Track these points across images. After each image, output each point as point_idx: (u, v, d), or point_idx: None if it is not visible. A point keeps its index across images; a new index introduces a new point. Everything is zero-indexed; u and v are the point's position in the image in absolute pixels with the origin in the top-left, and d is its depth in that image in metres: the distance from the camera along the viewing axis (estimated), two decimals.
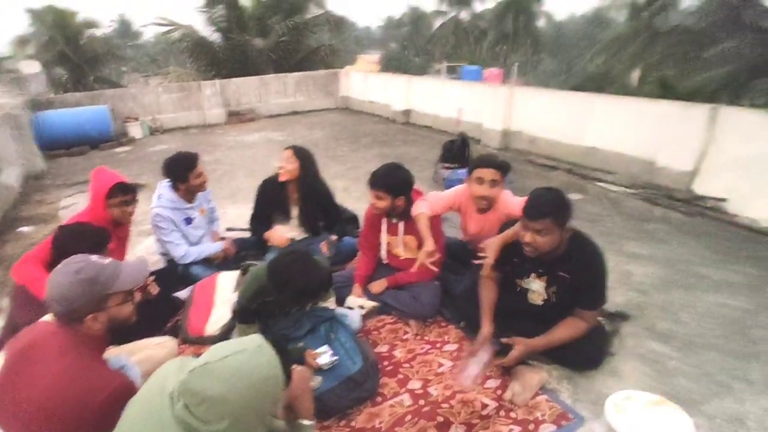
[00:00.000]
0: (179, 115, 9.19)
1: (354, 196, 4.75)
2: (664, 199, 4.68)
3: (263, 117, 10.07)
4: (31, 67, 15.63)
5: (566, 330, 2.18)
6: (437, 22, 37.20)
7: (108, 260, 1.53)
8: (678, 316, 2.71)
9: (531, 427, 1.95)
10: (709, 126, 4.56)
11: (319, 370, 2.06)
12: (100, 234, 2.25)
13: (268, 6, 13.10)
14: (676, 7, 24.97)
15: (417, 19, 40.74)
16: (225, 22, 12.62)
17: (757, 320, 2.68)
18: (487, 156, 2.66)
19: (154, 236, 3.13)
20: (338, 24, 14.58)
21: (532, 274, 2.26)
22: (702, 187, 4.64)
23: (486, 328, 2.26)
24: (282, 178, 3.03)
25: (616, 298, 2.85)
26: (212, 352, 1.10)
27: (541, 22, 34.37)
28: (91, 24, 18.69)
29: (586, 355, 2.26)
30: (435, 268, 2.52)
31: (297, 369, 1.53)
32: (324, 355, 2.11)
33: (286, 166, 3.01)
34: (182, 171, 2.92)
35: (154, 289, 2.46)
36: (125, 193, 2.54)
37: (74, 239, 2.20)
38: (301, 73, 10.92)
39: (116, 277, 1.49)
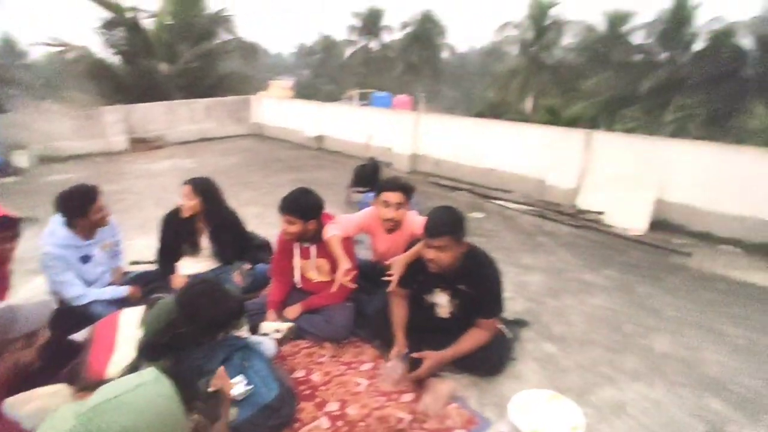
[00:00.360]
0: (78, 143, 8.48)
1: (267, 222, 4.72)
2: (553, 214, 5.21)
3: (172, 144, 9.63)
4: None
5: (470, 340, 2.35)
6: (348, 51, 38.30)
7: (1, 305, 1.46)
8: (568, 319, 3.04)
9: None
10: (585, 148, 5.21)
11: (234, 401, 2.03)
12: None
13: (175, 31, 12.66)
14: (558, 44, 28.25)
15: (328, 47, 41.60)
16: (127, 46, 11.96)
17: (628, 317, 3.09)
18: (393, 180, 2.81)
19: (44, 274, 2.88)
20: (250, 50, 14.47)
21: (437, 289, 2.43)
22: (584, 202, 5.26)
23: (399, 344, 2.38)
24: (185, 214, 2.96)
25: (515, 306, 3.12)
26: (108, 389, 1.09)
27: (445, 54, 36.85)
28: None
29: (490, 362, 2.46)
30: (353, 285, 2.59)
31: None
32: (238, 385, 2.08)
33: (187, 203, 2.94)
34: (80, 206, 2.70)
35: (44, 336, 2.28)
36: (4, 228, 2.33)
37: None
38: (210, 99, 10.65)
39: (13, 322, 1.42)
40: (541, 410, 2.14)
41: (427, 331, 2.48)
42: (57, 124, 8.30)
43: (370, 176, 5.13)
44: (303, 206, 2.61)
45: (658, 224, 4.79)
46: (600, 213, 5.02)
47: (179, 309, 1.95)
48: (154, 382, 1.11)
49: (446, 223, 2.16)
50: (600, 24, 25.70)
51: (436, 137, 6.97)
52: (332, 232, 2.65)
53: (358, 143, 8.29)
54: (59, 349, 2.59)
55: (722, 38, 20.27)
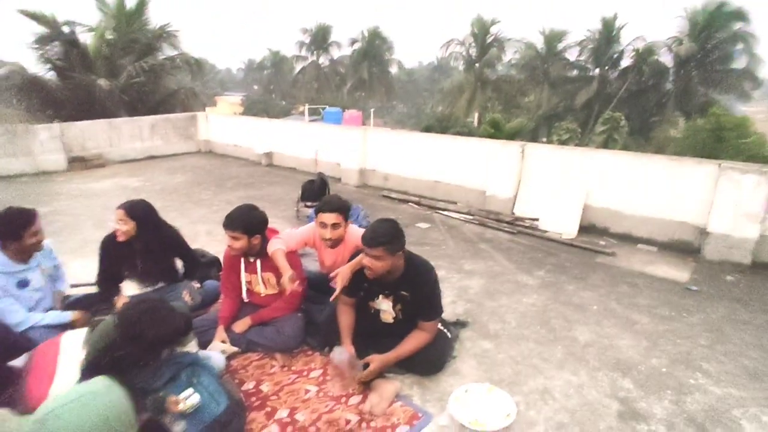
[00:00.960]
0: (3, 163, 8.02)
1: (218, 239, 4.71)
2: (493, 222, 5.53)
3: (115, 162, 9.30)
4: None
5: (412, 342, 2.52)
6: (298, 67, 38.37)
7: None
8: (504, 318, 3.28)
9: (389, 431, 2.21)
10: (521, 160, 5.59)
11: (181, 416, 2.07)
12: None
13: (116, 46, 12.29)
14: (500, 61, 29.68)
15: (278, 62, 41.48)
16: (62, 60, 11.49)
17: (556, 313, 3.38)
18: (329, 200, 2.90)
19: None
20: (196, 66, 14.25)
21: (380, 296, 2.59)
22: (520, 210, 5.62)
23: (346, 348, 2.51)
24: (120, 239, 2.93)
25: (456, 309, 3.34)
26: (59, 399, 1.13)
27: (393, 69, 37.72)
28: None
29: (431, 362, 2.63)
30: (299, 288, 2.69)
31: None
32: (190, 398, 2.12)
33: (121, 227, 2.90)
34: (15, 229, 2.65)
35: None
36: None
37: None
38: (156, 116, 10.40)
39: None
40: (479, 402, 2.34)
41: (374, 336, 2.63)
42: None
43: (318, 191, 5.27)
44: (246, 222, 2.69)
45: (586, 228, 5.20)
46: (535, 219, 5.39)
47: (120, 330, 1.98)
48: (105, 390, 1.16)
49: (382, 235, 2.32)
50: (538, 42, 27.36)
51: (384, 152, 7.19)
52: (276, 246, 2.75)
53: (308, 159, 8.39)
54: None
55: (645, 55, 22.13)
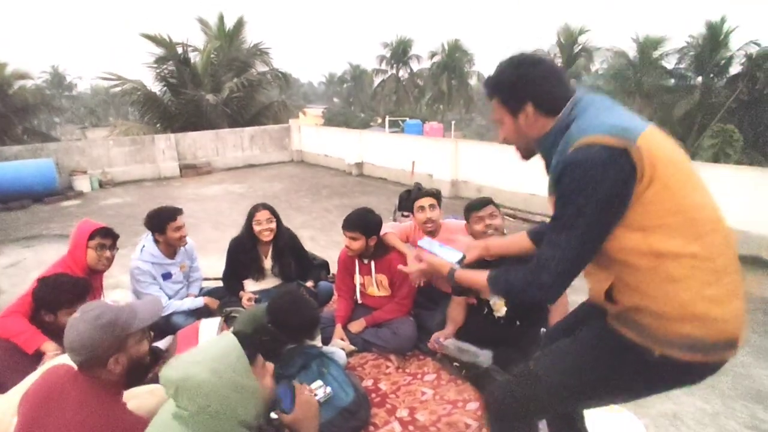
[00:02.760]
0: (131, 168, 9.07)
1: (321, 245, 4.95)
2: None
3: (220, 170, 10.15)
4: None
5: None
6: (378, 80, 39.23)
7: (122, 303, 1.59)
8: None
9: None
10: None
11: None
12: (80, 284, 2.30)
13: (219, 64, 13.47)
14: (588, 72, 28.22)
15: (358, 76, 42.76)
16: (175, 78, 12.79)
17: None
18: (423, 191, 3.14)
19: (130, 288, 3.17)
20: (284, 80, 15.18)
21: None
22: None
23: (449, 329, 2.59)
24: (266, 239, 3.18)
25: None
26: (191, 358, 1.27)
27: (473, 80, 37.36)
28: (21, 75, 18.05)
29: None
30: (424, 266, 2.77)
31: (303, 393, 1.67)
32: (319, 390, 2.25)
33: (268, 227, 3.17)
34: (161, 222, 3.00)
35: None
36: (105, 236, 2.62)
37: (55, 291, 2.23)
38: (256, 127, 11.23)
39: (134, 317, 1.53)
40: (602, 423, 2.24)
41: (486, 342, 2.61)
42: (113, 150, 8.91)
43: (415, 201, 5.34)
44: (365, 223, 2.84)
45: None
46: None
47: (270, 317, 2.16)
48: (220, 337, 1.29)
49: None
50: (630, 50, 25.75)
51: (476, 163, 7.16)
52: (388, 230, 2.98)
53: (399, 170, 8.55)
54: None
55: (759, 61, 19.95)
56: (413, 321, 2.96)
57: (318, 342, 2.61)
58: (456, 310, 2.69)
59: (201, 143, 10.05)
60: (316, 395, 2.21)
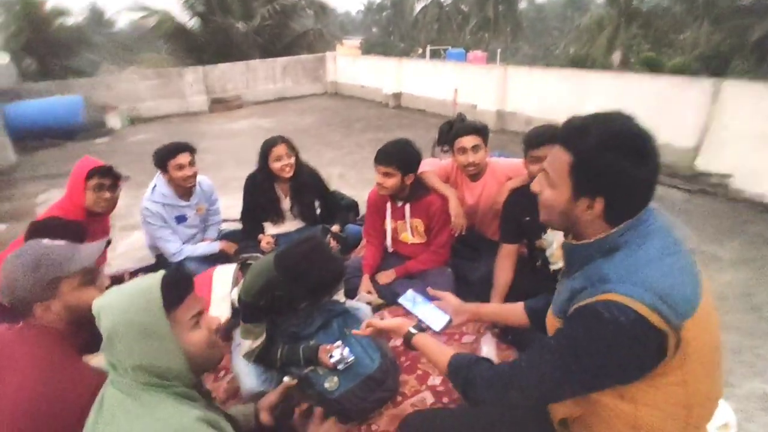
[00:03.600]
0: (158, 104, 8.82)
1: (350, 183, 4.56)
2: (665, 177, 4.58)
3: (250, 104, 9.76)
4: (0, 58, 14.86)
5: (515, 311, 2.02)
6: (419, 6, 36.76)
7: (61, 242, 1.35)
8: None
9: None
10: (712, 100, 4.46)
11: (335, 370, 1.88)
12: (74, 228, 2.04)
13: None
14: None
15: (398, 2, 40.20)
16: (204, 5, 12.15)
17: (764, 296, 2.62)
18: (465, 124, 2.62)
19: (143, 229, 2.92)
20: (320, 9, 14.22)
21: (548, 229, 2.10)
22: (705, 163, 4.56)
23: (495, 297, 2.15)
24: (287, 175, 2.81)
25: None
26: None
27: (522, 4, 34.28)
28: (61, 12, 17.81)
29: None
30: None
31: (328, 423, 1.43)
32: (336, 350, 1.92)
33: (288, 162, 2.78)
34: (161, 159, 2.71)
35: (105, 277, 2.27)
36: (104, 176, 2.32)
37: (46, 235, 1.99)
38: (288, 57, 10.61)
39: (69, 258, 1.29)
40: None
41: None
42: (139, 85, 8.62)
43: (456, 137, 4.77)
44: (403, 157, 2.38)
45: None
46: (726, 176, 4.33)
47: (281, 271, 1.79)
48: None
49: (394, 153, 2.30)
50: None
51: (526, 93, 6.38)
52: (426, 168, 2.55)
53: (440, 100, 7.85)
54: None
55: None
56: (451, 273, 2.56)
57: (341, 296, 2.26)
58: (504, 264, 2.25)
59: (230, 75, 9.59)
60: (332, 357, 1.88)
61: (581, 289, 0.97)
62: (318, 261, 1.74)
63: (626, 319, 0.87)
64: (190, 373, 1.02)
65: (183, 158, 2.70)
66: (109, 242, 1.95)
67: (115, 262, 3.40)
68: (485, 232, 2.75)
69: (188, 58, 11.93)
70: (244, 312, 1.96)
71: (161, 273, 1.05)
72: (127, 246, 3.55)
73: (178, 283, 1.05)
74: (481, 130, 2.51)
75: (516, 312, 1.51)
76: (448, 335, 2.33)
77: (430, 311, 1.52)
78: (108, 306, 0.97)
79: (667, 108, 4.80)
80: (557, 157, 1.00)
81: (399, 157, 2.37)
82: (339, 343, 1.99)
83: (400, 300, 1.62)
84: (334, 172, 5.09)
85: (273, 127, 7.56)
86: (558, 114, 5.92)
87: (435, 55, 20.17)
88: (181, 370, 1.00)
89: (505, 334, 2.25)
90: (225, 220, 3.50)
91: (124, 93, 8.46)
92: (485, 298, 2.33)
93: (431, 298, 1.60)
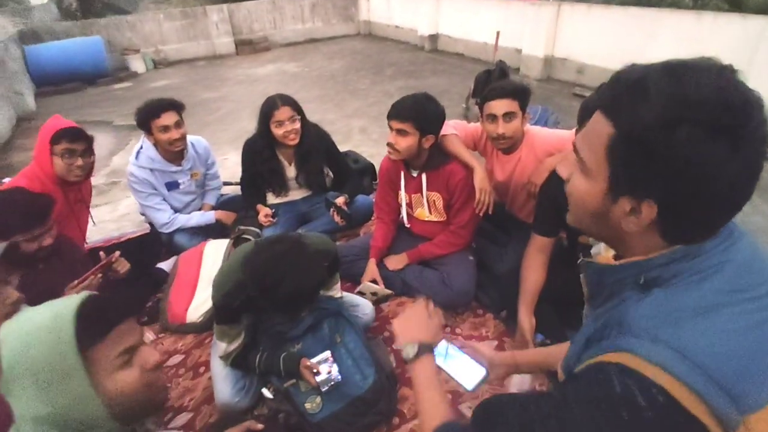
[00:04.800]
0: (184, 46, 8.41)
1: (372, 139, 4.11)
2: None
3: (278, 45, 9.20)
4: None
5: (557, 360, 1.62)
6: None
7: None
8: None
9: None
10: None
11: (314, 388, 1.57)
12: (38, 204, 1.77)
13: None
14: None
15: None
16: None
17: None
18: (498, 85, 2.01)
19: (133, 197, 2.65)
20: None
21: None
22: None
23: (525, 321, 1.72)
24: (293, 143, 2.41)
25: None
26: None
27: None
28: None
29: None
30: (487, 198, 1.99)
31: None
32: (323, 366, 1.60)
33: (293, 128, 2.37)
34: (143, 120, 2.35)
35: (123, 267, 2.01)
36: (73, 140, 2.00)
37: (3, 211, 1.73)
38: None
39: None
40: None
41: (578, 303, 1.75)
42: (164, 25, 8.18)
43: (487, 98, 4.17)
44: (422, 113, 1.92)
45: None
46: None
47: (249, 278, 1.44)
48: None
49: (413, 107, 1.88)
50: None
51: (580, 35, 5.53)
52: (450, 131, 2.07)
53: (479, 43, 7.05)
54: (144, 280, 2.39)
55: None
56: (473, 262, 2.16)
57: (337, 291, 1.90)
58: (534, 261, 1.81)
59: (257, 15, 8.96)
60: (317, 374, 1.56)
61: (599, 335, 0.65)
62: (294, 270, 1.37)
63: (647, 402, 0.54)
64: (112, 423, 0.82)
65: (168, 118, 2.34)
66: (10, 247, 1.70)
67: (114, 225, 3.18)
68: (517, 213, 2.30)
69: None
70: (217, 312, 1.65)
71: (78, 298, 0.82)
72: (128, 207, 3.32)
73: (101, 314, 0.83)
74: (518, 93, 1.94)
75: (557, 361, 1.14)
76: (463, 339, 1.96)
77: (463, 365, 1.28)
78: (8, 338, 0.78)
79: (755, 55, 3.97)
80: (594, 130, 0.63)
81: (417, 112, 1.91)
82: (327, 354, 1.66)
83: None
84: (356, 125, 4.64)
85: (299, 72, 7.07)
86: (616, 61, 5.12)
87: None
88: (97, 422, 0.80)
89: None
90: (227, 184, 3.18)
91: (148, 34, 8.06)
92: (512, 295, 1.92)
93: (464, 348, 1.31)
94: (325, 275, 1.50)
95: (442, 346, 1.37)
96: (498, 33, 5.52)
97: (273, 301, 1.42)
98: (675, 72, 0.56)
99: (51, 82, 6.54)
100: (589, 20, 5.46)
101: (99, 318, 0.82)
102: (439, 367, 1.30)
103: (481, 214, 2.04)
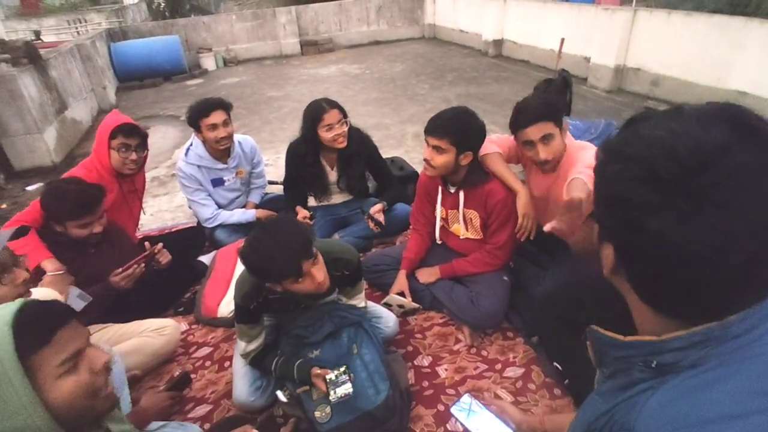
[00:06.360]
0: (253, 45, 8.79)
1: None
2: None
3: (342, 47, 9.37)
4: None
5: None
6: None
7: None
8: None
9: None
10: None
11: (326, 397, 1.56)
12: (88, 194, 1.92)
13: None
14: None
15: None
16: None
17: None
18: (524, 108, 1.81)
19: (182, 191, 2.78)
20: None
21: None
22: None
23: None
24: (341, 146, 2.43)
25: None
26: None
27: None
28: None
29: None
30: (530, 223, 1.90)
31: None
32: (331, 374, 1.57)
33: (342, 131, 2.39)
34: (193, 118, 2.47)
35: (165, 258, 2.14)
36: (129, 135, 2.14)
37: (57, 200, 1.89)
38: None
39: None
40: None
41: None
42: (236, 26, 8.59)
43: (557, 95, 3.93)
44: (459, 129, 1.85)
45: None
46: None
47: (246, 266, 1.46)
48: None
49: (450, 123, 1.82)
50: None
51: (657, 43, 5.14)
52: (492, 149, 1.99)
53: (546, 50, 6.75)
54: (185, 272, 2.51)
55: None
56: (507, 283, 2.06)
57: (360, 301, 1.88)
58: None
59: (323, 16, 9.18)
60: (329, 383, 1.53)
61: (605, 419, 0.58)
62: (261, 253, 1.36)
63: None
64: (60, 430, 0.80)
65: (216, 117, 2.44)
66: (21, 231, 1.81)
67: (170, 216, 3.36)
68: (565, 234, 2.15)
69: None
70: (236, 312, 1.69)
71: (15, 305, 0.81)
72: (184, 199, 3.50)
73: (40, 320, 0.81)
74: (549, 112, 1.79)
75: None
76: (488, 363, 1.88)
77: (487, 424, 1.25)
78: None
79: None
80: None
81: (455, 128, 1.84)
82: (340, 371, 1.60)
83: (452, 410, 1.36)
84: (410, 131, 4.61)
85: (360, 74, 7.14)
86: (698, 73, 4.73)
87: None
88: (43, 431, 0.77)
89: (561, 377, 1.74)
90: (273, 183, 3.27)
91: (221, 34, 8.53)
92: (546, 321, 1.81)
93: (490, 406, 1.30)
94: (288, 267, 1.38)
95: (466, 400, 1.32)
96: (562, 40, 5.24)
97: (276, 280, 1.42)
98: (652, 114, 0.52)
99: (133, 77, 7.10)
100: (668, 28, 5.07)
101: (38, 324, 0.81)
102: (460, 423, 1.26)
103: (522, 239, 1.94)
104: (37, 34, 8.58)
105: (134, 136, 2.19)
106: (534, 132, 1.76)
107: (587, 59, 5.91)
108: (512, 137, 2.08)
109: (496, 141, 2.06)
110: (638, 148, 0.48)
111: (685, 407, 0.49)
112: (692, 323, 0.51)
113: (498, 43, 7.80)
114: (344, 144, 2.42)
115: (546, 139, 1.77)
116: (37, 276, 1.85)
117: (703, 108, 0.49)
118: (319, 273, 1.45)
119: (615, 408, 0.57)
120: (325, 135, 2.38)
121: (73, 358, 0.83)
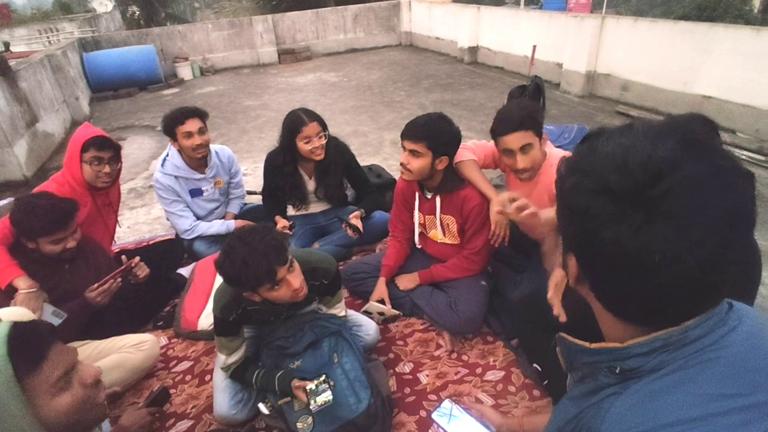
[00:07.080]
0: (230, 54, 8.74)
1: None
2: None
3: (320, 55, 9.39)
4: (105, 5, 15.78)
5: None
6: None
7: None
8: None
9: None
10: None
11: (307, 407, 1.56)
12: (60, 209, 1.87)
13: None
14: None
15: None
16: None
17: None
18: (505, 116, 1.83)
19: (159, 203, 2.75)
20: None
21: None
22: None
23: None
24: (319, 157, 2.43)
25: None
26: None
27: None
28: None
29: None
30: (502, 231, 1.92)
31: None
32: (311, 384, 1.57)
33: (320, 143, 2.39)
34: (169, 126, 2.44)
35: (143, 271, 2.10)
36: (101, 148, 2.11)
37: (28, 216, 1.83)
38: (359, 5, 9.94)
39: None
40: None
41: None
42: (212, 35, 8.54)
43: (531, 100, 4.03)
44: (436, 133, 1.88)
45: None
46: None
47: (224, 277, 1.46)
48: None
49: (426, 127, 1.85)
50: None
51: (626, 50, 5.31)
52: (467, 156, 2.02)
53: (520, 57, 6.90)
54: (162, 285, 2.48)
55: None
56: (485, 288, 2.10)
57: (341, 310, 1.89)
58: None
59: (300, 25, 9.19)
60: (309, 392, 1.53)
61: (573, 423, 0.61)
62: (233, 260, 1.36)
63: None
64: None
65: (191, 125, 2.43)
66: None
67: (147, 228, 3.32)
68: (530, 233, 2.20)
69: (265, 6, 11.69)
70: (216, 325, 1.68)
71: (4, 329, 0.80)
72: (162, 211, 3.46)
73: (34, 340, 0.82)
74: (529, 122, 1.79)
75: None
76: (469, 367, 1.91)
77: (467, 428, 1.28)
78: None
79: None
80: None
81: (431, 132, 1.87)
82: (320, 380, 1.60)
83: (434, 416, 1.35)
84: (388, 138, 4.65)
85: (337, 82, 7.17)
86: (665, 79, 4.90)
87: (531, 1, 18.12)
88: None
89: (541, 378, 1.78)
90: (252, 193, 3.26)
91: (197, 43, 8.45)
92: (524, 324, 1.86)
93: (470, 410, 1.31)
94: (263, 273, 1.37)
95: (446, 405, 1.35)
96: (534, 47, 5.37)
97: (251, 287, 1.41)
98: (606, 130, 0.54)
99: (107, 87, 6.97)
100: (635, 34, 5.24)
101: (30, 347, 0.81)
102: (442, 429, 1.28)
103: (496, 245, 1.98)
104: (6, 45, 8.38)
105: (107, 149, 2.15)
106: (513, 141, 1.78)
107: (560, 65, 6.06)
108: (491, 143, 2.13)
109: (472, 148, 2.09)
110: (592, 163, 0.51)
111: (647, 411, 0.51)
112: (653, 329, 0.54)
113: (473, 50, 7.93)
114: (321, 156, 2.42)
115: (525, 148, 1.79)
116: (9, 295, 1.82)
117: (653, 123, 0.52)
118: (295, 280, 1.46)
119: (582, 412, 0.60)
120: (304, 147, 2.38)
121: (66, 375, 0.84)
